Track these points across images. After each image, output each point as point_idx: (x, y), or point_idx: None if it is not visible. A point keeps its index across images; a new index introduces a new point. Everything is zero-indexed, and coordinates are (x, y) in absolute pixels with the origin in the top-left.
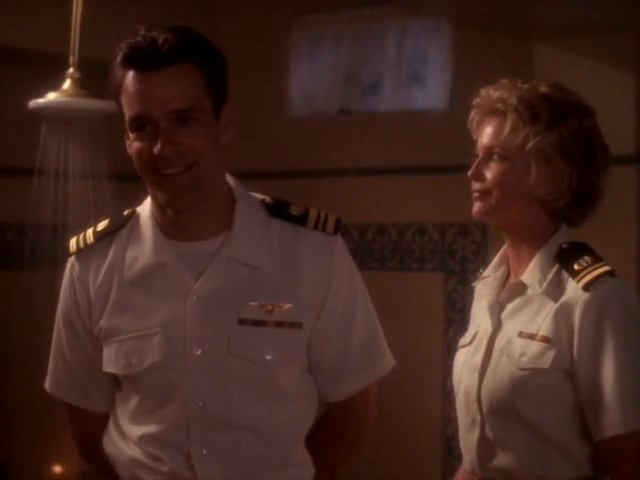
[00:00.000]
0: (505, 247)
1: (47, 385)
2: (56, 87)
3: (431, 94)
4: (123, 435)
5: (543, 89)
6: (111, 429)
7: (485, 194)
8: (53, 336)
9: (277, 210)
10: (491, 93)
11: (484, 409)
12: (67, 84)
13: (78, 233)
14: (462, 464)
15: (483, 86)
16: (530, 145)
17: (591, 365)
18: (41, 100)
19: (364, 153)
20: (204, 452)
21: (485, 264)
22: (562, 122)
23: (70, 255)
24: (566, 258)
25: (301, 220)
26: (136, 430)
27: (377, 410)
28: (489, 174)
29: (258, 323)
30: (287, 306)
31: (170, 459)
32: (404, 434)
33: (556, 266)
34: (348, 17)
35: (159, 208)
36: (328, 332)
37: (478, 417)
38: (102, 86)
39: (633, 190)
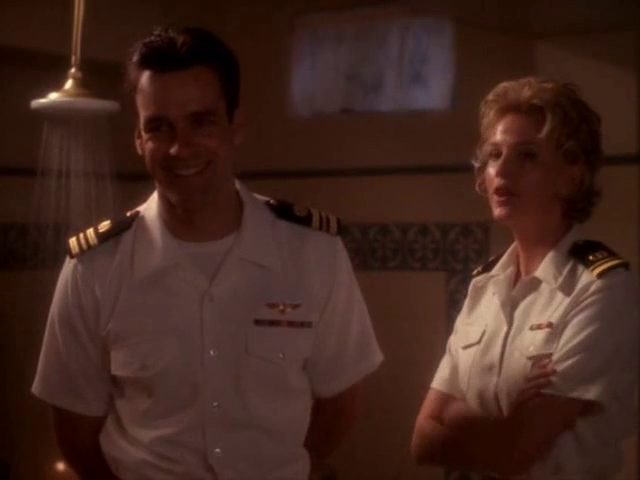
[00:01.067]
0: (514, 246)
1: (36, 389)
2: (58, 87)
3: (433, 94)
4: (129, 438)
5: (566, 90)
6: (112, 432)
7: (513, 195)
8: (45, 339)
9: (282, 211)
10: (524, 92)
11: (503, 406)
12: (69, 84)
13: (77, 234)
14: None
15: (485, 85)
16: (565, 147)
17: (571, 327)
18: (43, 100)
19: (366, 153)
20: (219, 452)
21: (486, 262)
22: (585, 122)
23: (72, 257)
24: (581, 253)
25: (306, 221)
26: (147, 433)
27: (362, 404)
28: (521, 175)
29: (272, 323)
30: (298, 306)
31: (185, 460)
32: (406, 433)
33: (571, 262)
34: (350, 17)
35: (169, 208)
36: (329, 330)
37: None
38: (104, 86)
39: (635, 189)
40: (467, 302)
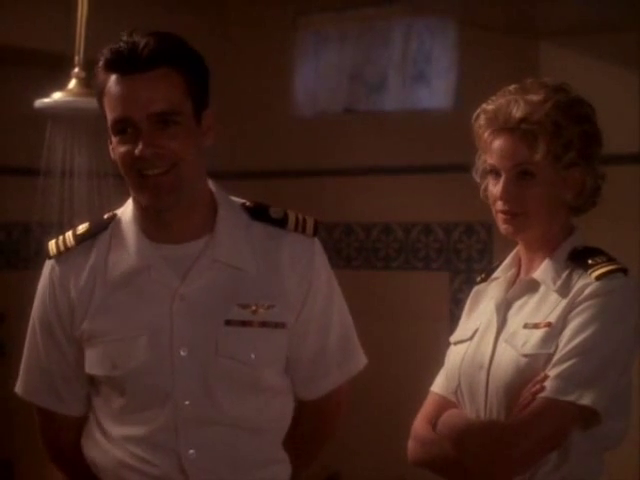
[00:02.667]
0: (517, 249)
1: (19, 389)
2: (62, 87)
3: (436, 93)
4: (107, 438)
5: (555, 97)
6: (93, 432)
7: (518, 214)
8: (26, 340)
9: (258, 213)
10: (513, 113)
11: (489, 401)
12: (73, 84)
13: (56, 236)
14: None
15: (489, 85)
16: (564, 160)
17: (569, 331)
18: (47, 100)
19: (369, 152)
20: (193, 453)
21: (490, 265)
22: (579, 127)
23: (50, 258)
24: (580, 257)
25: (281, 223)
26: (121, 431)
27: (346, 408)
28: (523, 196)
29: (244, 324)
30: (271, 307)
31: (160, 461)
32: (408, 435)
33: (570, 266)
34: (353, 16)
35: (141, 211)
36: (307, 331)
37: (482, 410)
38: None
39: (637, 189)
40: (467, 306)
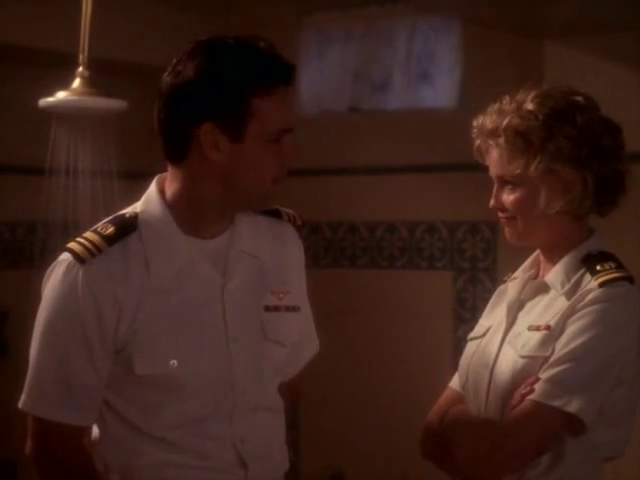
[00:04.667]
0: (538, 251)
1: (27, 405)
2: (66, 86)
3: (440, 92)
4: (146, 439)
5: (529, 106)
6: (119, 437)
7: (511, 220)
8: (37, 351)
9: None
10: (485, 124)
11: (489, 399)
12: (77, 83)
13: (75, 240)
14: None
15: (492, 84)
16: (532, 170)
17: (566, 335)
18: (51, 99)
19: (373, 151)
20: (244, 439)
21: (494, 264)
22: (556, 132)
23: (82, 262)
24: (592, 262)
25: (277, 214)
26: (173, 430)
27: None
28: (507, 202)
29: (276, 308)
30: (289, 292)
31: (213, 452)
32: (413, 432)
33: (581, 270)
34: (358, 15)
35: (198, 209)
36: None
37: (483, 407)
38: (111, 85)
39: (638, 189)
40: (489, 304)
